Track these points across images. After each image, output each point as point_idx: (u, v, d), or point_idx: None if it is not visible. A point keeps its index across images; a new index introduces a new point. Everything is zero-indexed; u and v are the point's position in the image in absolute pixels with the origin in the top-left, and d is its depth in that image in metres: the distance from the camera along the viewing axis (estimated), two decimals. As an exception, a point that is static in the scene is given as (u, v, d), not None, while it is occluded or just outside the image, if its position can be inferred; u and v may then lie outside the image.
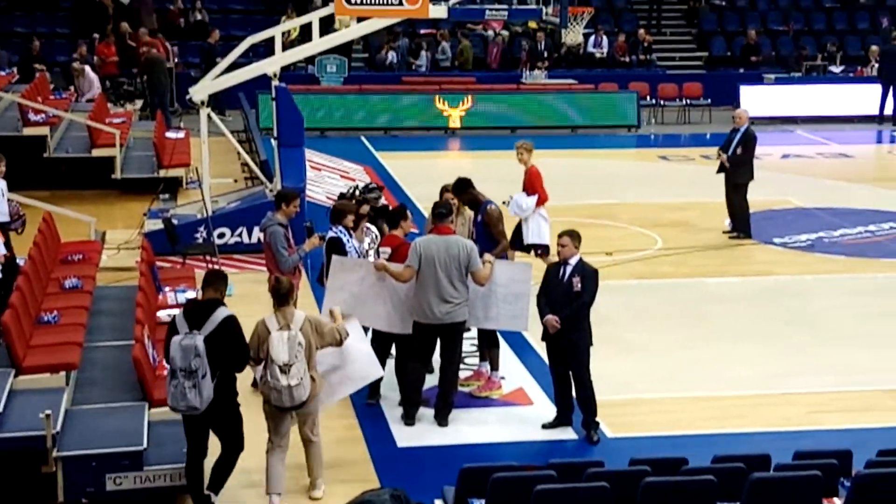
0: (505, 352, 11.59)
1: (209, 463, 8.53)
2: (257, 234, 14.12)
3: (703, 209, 18.00)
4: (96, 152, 18.64)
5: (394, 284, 10.14)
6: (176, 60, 25.69)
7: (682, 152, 23.82)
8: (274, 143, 16.94)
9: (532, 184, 13.24)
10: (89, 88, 23.22)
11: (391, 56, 27.94)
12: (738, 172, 16.39)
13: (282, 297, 8.65)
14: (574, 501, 7.11)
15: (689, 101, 27.21)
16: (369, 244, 11.07)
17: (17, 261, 11.69)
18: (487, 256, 10.33)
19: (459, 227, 11.33)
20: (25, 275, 10.81)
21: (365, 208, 11.41)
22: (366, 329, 10.10)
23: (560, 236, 9.97)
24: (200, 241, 14.98)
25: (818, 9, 32.26)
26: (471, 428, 10.23)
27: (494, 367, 11.04)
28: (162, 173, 17.91)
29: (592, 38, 28.92)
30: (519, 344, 12.03)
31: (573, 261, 9.91)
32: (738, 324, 13.09)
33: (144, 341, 9.55)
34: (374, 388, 10.56)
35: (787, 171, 21.70)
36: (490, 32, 29.15)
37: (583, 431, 10.01)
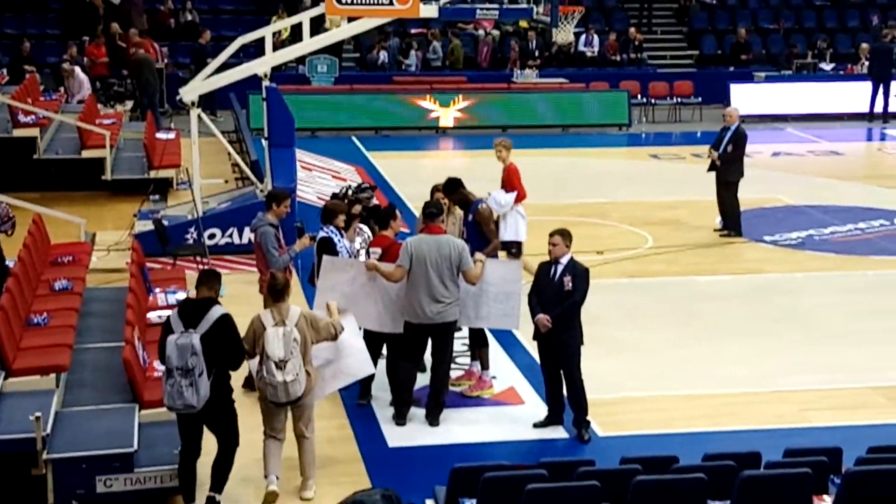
0: (496, 351, 11.61)
1: (202, 464, 8.53)
2: (248, 234, 14.12)
3: (693, 207, 18.02)
4: (86, 153, 18.60)
5: (385, 284, 10.13)
6: (165, 61, 25.67)
7: (672, 151, 23.83)
8: (265, 143, 16.92)
9: (511, 181, 13.37)
10: (79, 89, 23.18)
11: (382, 56, 27.93)
12: (728, 170, 16.41)
13: (277, 292, 8.70)
14: (565, 500, 7.11)
15: (679, 100, 27.24)
16: (361, 244, 11.06)
17: (7, 263, 11.66)
18: (478, 256, 10.34)
19: (450, 226, 11.34)
20: (15, 277, 10.79)
21: (357, 208, 11.41)
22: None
23: (551, 235, 9.97)
24: (191, 241, 14.96)
25: (808, 7, 32.33)
26: (462, 427, 10.23)
27: (485, 366, 11.05)
28: (152, 174, 17.90)
29: (583, 36, 28.94)
30: (510, 343, 12.04)
31: (564, 260, 9.91)
32: (729, 322, 13.10)
33: (135, 343, 9.53)
34: (365, 388, 10.56)
35: (777, 168, 21.72)
36: (481, 32, 29.15)
37: (574, 430, 10.02)
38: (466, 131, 25.00)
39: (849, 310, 13.57)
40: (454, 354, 10.70)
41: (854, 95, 27.41)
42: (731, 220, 16.64)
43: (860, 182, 20.82)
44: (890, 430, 10.07)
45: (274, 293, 8.72)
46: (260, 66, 16.26)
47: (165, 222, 14.92)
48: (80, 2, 27.10)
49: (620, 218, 17.62)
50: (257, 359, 8.63)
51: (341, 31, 16.97)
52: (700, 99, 27.15)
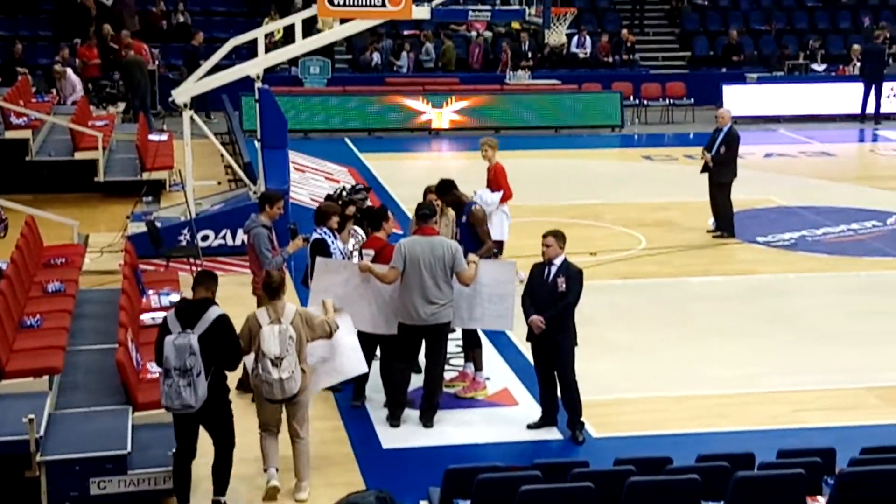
0: (490, 352, 11.61)
1: (196, 466, 8.51)
2: (241, 236, 14.10)
3: (686, 209, 18.04)
4: (79, 155, 18.58)
5: (378, 286, 10.13)
6: (157, 63, 25.63)
7: (665, 152, 23.86)
8: (257, 144, 16.91)
9: (497, 180, 13.44)
10: (72, 91, 23.16)
11: (375, 57, 27.93)
12: (721, 172, 16.43)
13: (273, 290, 8.72)
14: (559, 501, 7.12)
15: (672, 101, 27.25)
16: (354, 245, 11.06)
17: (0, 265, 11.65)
18: (472, 257, 10.34)
19: (443, 227, 11.35)
20: (8, 279, 10.77)
21: (351, 210, 11.41)
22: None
23: (545, 236, 9.98)
24: (184, 243, 14.95)
25: (800, 8, 32.40)
26: (456, 429, 10.23)
27: (478, 367, 11.04)
28: (145, 176, 17.89)
29: (575, 38, 28.95)
30: (504, 344, 12.04)
31: (558, 261, 9.92)
32: (722, 323, 13.12)
33: (128, 345, 9.52)
34: (359, 389, 10.56)
35: (769, 169, 21.75)
36: (473, 33, 29.16)
37: (568, 431, 10.03)
38: (459, 133, 25.00)
39: (841, 310, 13.59)
40: (448, 356, 10.71)
41: (846, 96, 27.47)
42: (724, 222, 16.66)
43: (852, 183, 20.86)
44: (883, 430, 10.09)
45: (270, 291, 8.74)
46: (252, 68, 16.25)
47: (158, 224, 14.89)
48: (71, 3, 27.06)
49: (613, 219, 17.64)
50: (252, 356, 8.65)
51: (334, 33, 16.95)
52: (692, 100, 27.18)
